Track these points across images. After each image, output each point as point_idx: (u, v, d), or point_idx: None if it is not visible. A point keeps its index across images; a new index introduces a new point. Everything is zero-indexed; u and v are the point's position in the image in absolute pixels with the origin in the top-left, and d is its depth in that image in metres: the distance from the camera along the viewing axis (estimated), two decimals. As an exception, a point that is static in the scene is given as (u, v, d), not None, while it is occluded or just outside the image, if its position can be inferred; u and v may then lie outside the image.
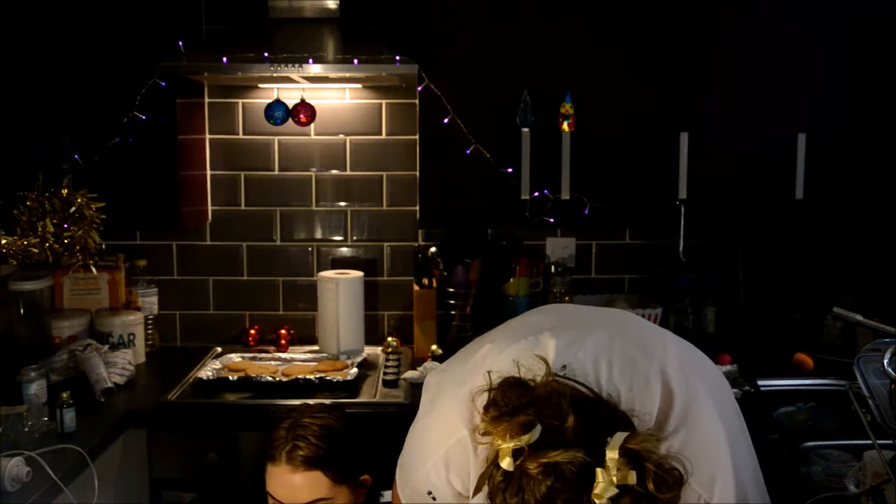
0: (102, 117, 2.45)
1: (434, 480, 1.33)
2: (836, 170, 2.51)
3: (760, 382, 2.35)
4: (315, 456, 1.64)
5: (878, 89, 2.49)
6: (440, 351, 2.67)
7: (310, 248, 2.90)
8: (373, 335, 2.83)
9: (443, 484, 1.31)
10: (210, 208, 2.87)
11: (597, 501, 1.00)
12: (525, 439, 1.04)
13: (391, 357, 2.64)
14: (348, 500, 1.72)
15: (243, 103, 2.83)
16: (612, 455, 1.01)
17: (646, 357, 1.27)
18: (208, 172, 2.85)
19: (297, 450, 1.64)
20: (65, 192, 2.24)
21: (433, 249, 2.76)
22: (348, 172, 2.86)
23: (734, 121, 2.51)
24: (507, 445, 1.05)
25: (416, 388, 2.42)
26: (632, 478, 1.00)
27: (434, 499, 1.36)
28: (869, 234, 2.67)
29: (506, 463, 1.05)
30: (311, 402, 2.27)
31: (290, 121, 2.63)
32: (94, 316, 2.65)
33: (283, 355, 2.63)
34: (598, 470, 1.01)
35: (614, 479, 1.00)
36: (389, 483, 2.24)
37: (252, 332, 2.85)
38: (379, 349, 2.74)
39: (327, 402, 2.28)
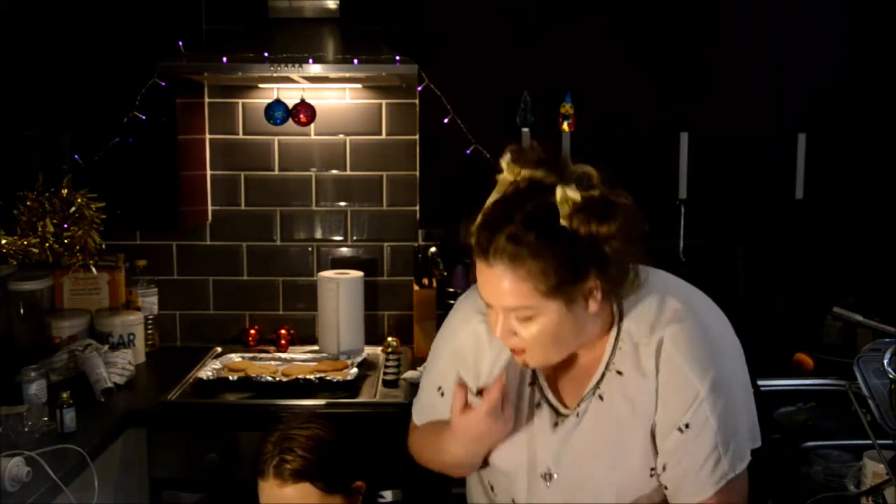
0: (102, 117, 2.45)
1: (444, 374, 1.43)
2: (836, 170, 2.51)
3: (760, 382, 2.35)
4: (303, 468, 1.62)
5: (877, 89, 2.49)
6: (440, 351, 2.67)
7: (310, 248, 2.90)
8: (373, 335, 2.83)
9: (451, 376, 1.40)
10: (210, 208, 2.87)
11: (559, 206, 1.21)
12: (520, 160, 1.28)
13: (391, 357, 2.64)
14: None
15: (243, 103, 2.83)
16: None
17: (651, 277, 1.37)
18: (208, 172, 2.85)
19: (285, 463, 1.62)
20: (65, 192, 2.24)
21: (433, 249, 2.76)
22: (348, 172, 2.86)
23: (734, 121, 2.51)
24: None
25: (415, 388, 2.41)
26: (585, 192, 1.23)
27: (442, 394, 1.45)
28: (869, 234, 2.67)
29: (505, 161, 1.28)
30: (307, 402, 2.28)
31: (290, 121, 2.63)
32: (94, 316, 2.65)
33: (283, 355, 2.63)
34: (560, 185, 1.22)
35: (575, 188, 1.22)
36: (388, 483, 2.26)
37: (252, 332, 2.85)
38: (379, 349, 2.74)
39: (322, 402, 2.28)
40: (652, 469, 1.33)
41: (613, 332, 1.35)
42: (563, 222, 1.21)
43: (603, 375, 1.35)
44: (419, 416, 1.56)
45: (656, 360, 1.30)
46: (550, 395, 1.40)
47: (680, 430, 1.29)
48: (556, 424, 1.38)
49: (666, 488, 1.34)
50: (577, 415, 1.36)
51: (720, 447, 1.29)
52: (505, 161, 1.29)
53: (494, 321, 1.30)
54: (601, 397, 1.35)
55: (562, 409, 1.38)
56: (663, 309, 1.33)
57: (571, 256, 1.21)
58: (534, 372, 1.42)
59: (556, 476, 1.38)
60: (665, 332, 1.30)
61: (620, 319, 1.34)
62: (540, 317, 1.26)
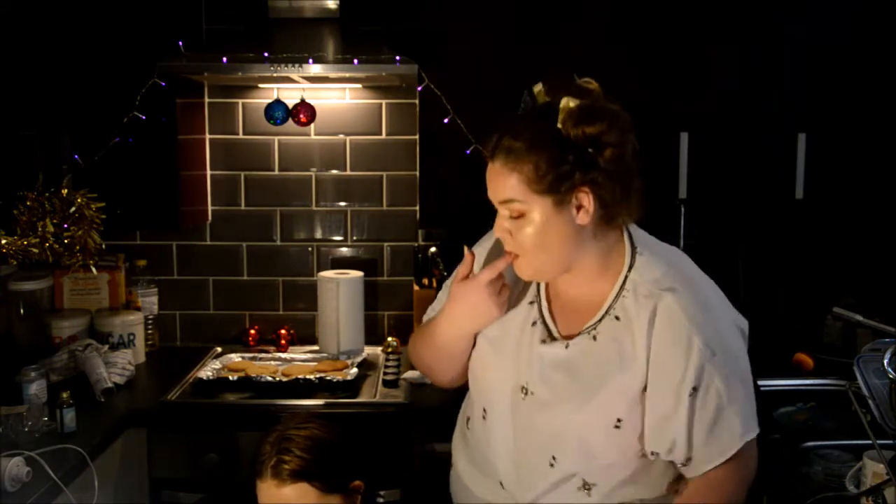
0: (102, 117, 2.45)
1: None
2: (836, 170, 2.51)
3: (760, 382, 2.34)
4: (300, 468, 1.63)
5: (878, 89, 2.49)
6: (440, 351, 2.67)
7: (310, 248, 2.90)
8: (373, 335, 2.83)
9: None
10: (210, 208, 2.87)
11: (560, 112, 1.36)
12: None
13: (391, 357, 2.63)
14: None
15: (243, 103, 2.83)
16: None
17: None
18: (208, 172, 2.85)
19: (283, 463, 1.62)
20: (65, 192, 2.24)
21: (433, 249, 2.76)
22: (348, 172, 2.86)
23: (734, 121, 2.51)
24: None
25: (415, 388, 2.41)
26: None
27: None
28: (869, 234, 2.67)
29: (538, 89, 1.45)
30: (307, 402, 2.28)
31: (290, 121, 2.63)
32: (94, 316, 2.65)
33: (283, 355, 2.63)
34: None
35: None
36: (388, 483, 2.26)
37: (252, 332, 2.85)
38: (379, 349, 2.74)
39: (321, 402, 2.29)
40: (618, 420, 1.38)
41: (620, 279, 1.42)
42: (558, 126, 1.36)
43: (602, 318, 1.41)
44: (427, 317, 1.66)
45: (652, 316, 1.36)
46: (548, 317, 1.48)
47: (691, 394, 1.34)
48: (543, 342, 1.45)
49: (686, 462, 1.39)
50: (567, 346, 1.43)
51: (727, 409, 1.35)
52: (537, 88, 1.46)
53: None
54: (595, 338, 1.41)
55: (555, 333, 1.46)
56: (669, 273, 1.41)
57: (562, 156, 1.35)
58: (538, 292, 1.51)
59: (532, 393, 1.44)
60: (667, 294, 1.37)
61: (629, 270, 1.42)
62: (531, 214, 1.37)
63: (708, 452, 1.37)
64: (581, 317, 1.44)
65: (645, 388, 1.38)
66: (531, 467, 1.45)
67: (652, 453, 1.40)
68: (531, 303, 1.51)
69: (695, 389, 1.34)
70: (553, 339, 1.46)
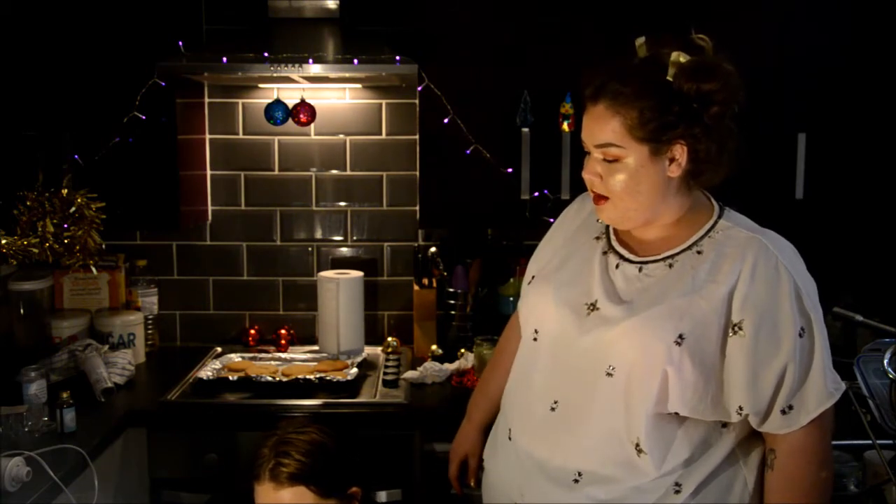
0: (102, 117, 2.45)
1: (537, 259, 1.68)
2: (836, 170, 2.51)
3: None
4: (298, 471, 1.63)
5: (878, 89, 2.49)
6: (440, 351, 2.67)
7: (310, 248, 2.91)
8: (373, 335, 2.83)
9: (538, 261, 1.66)
10: (210, 208, 2.87)
11: (670, 66, 1.38)
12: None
13: (391, 357, 2.64)
14: None
15: (243, 103, 2.83)
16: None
17: None
18: (208, 172, 2.85)
19: (281, 466, 1.62)
20: (65, 192, 2.24)
21: (433, 249, 2.76)
22: (348, 172, 2.86)
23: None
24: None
25: (415, 388, 2.42)
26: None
27: (528, 283, 1.65)
28: (869, 234, 2.67)
29: (639, 42, 1.47)
30: (307, 402, 2.28)
31: (290, 121, 2.63)
32: (94, 316, 2.65)
33: (283, 355, 2.63)
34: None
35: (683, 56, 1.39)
36: (388, 483, 2.26)
37: (252, 332, 2.85)
38: (379, 349, 2.74)
39: (321, 402, 2.29)
40: (680, 336, 1.35)
41: (710, 222, 1.45)
42: (668, 78, 1.37)
43: (683, 251, 1.43)
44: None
45: (744, 254, 1.38)
46: (618, 247, 1.49)
47: (800, 334, 1.36)
48: (617, 266, 1.47)
49: (787, 410, 1.36)
50: (640, 269, 1.44)
51: (825, 356, 1.38)
52: (639, 41, 1.48)
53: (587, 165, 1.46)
54: (671, 266, 1.42)
55: (628, 256, 1.47)
56: (760, 229, 1.44)
57: (668, 106, 1.36)
58: (605, 229, 1.54)
59: (599, 309, 1.44)
60: (762, 237, 1.40)
61: (719, 218, 1.46)
62: (626, 160, 1.38)
63: (806, 401, 1.36)
64: (659, 252, 1.46)
65: (731, 330, 1.36)
66: (584, 381, 1.42)
67: (738, 410, 1.37)
68: (597, 238, 1.54)
69: (803, 330, 1.36)
70: (627, 260, 1.47)
